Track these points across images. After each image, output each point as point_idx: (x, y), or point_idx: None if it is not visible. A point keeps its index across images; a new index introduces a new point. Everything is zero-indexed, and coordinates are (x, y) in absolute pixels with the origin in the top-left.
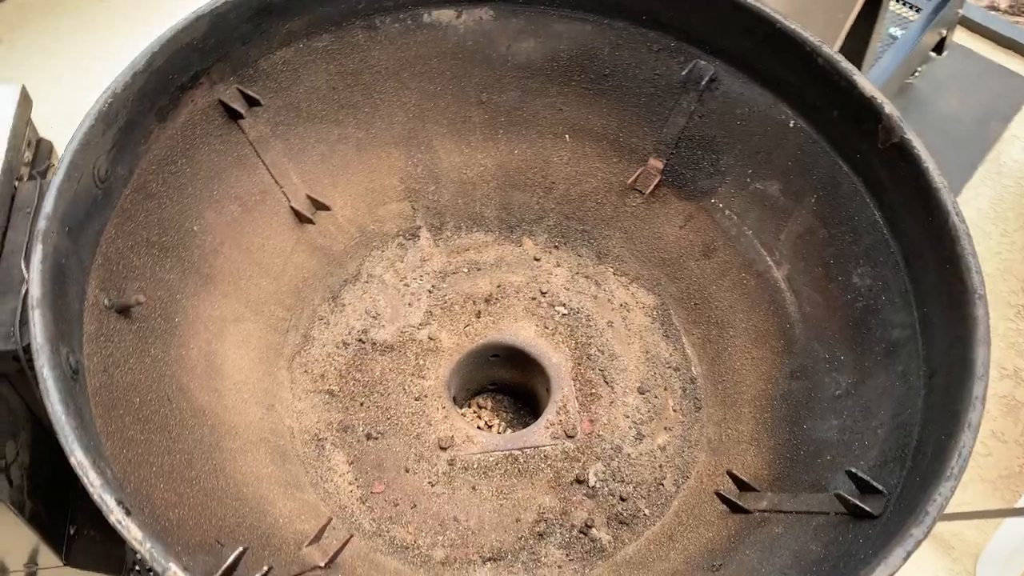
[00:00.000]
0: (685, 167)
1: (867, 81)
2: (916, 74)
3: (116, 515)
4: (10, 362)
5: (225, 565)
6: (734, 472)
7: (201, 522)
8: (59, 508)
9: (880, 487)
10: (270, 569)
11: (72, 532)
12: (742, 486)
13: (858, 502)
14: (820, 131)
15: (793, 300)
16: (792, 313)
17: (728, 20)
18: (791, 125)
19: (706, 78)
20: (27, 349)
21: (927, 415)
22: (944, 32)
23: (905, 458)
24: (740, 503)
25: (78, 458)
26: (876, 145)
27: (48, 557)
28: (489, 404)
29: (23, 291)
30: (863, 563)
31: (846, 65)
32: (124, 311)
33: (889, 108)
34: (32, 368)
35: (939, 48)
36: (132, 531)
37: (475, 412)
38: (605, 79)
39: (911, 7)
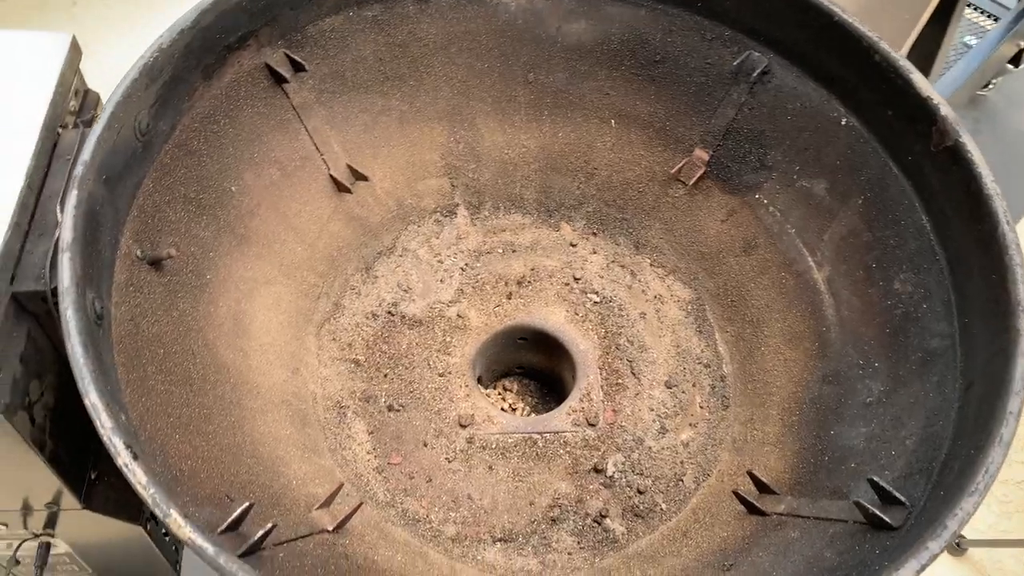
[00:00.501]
0: (731, 160)
1: (924, 80)
2: (990, 86)
3: (123, 458)
4: (39, 303)
5: (231, 518)
6: (755, 473)
7: (213, 476)
8: (81, 452)
9: (903, 499)
10: (275, 526)
11: (93, 477)
12: (762, 488)
13: (878, 512)
14: (872, 130)
15: (831, 303)
16: (829, 316)
17: (784, 11)
18: (842, 123)
19: (758, 70)
20: (55, 291)
21: (959, 428)
22: (1023, 44)
23: (932, 471)
24: (758, 505)
25: (92, 400)
26: (929, 148)
27: (70, 499)
28: (515, 387)
29: (56, 235)
30: (876, 574)
31: (904, 63)
32: (156, 264)
33: (945, 110)
34: (59, 310)
35: (1017, 60)
36: (137, 475)
37: (500, 394)
38: (655, 65)
39: (989, 16)
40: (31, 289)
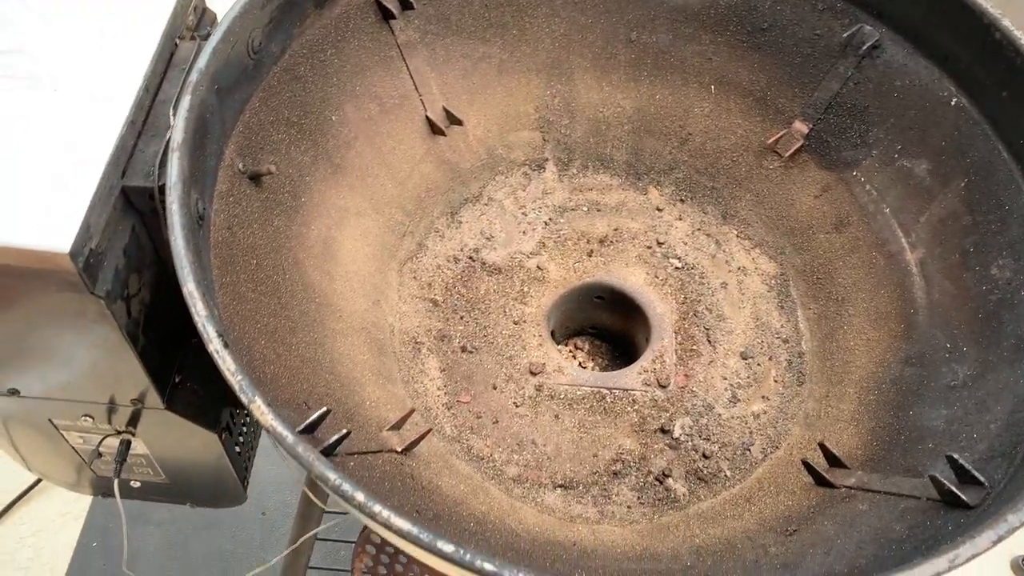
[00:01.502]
0: (831, 135)
1: None
2: None
3: (215, 344)
4: (146, 200)
5: (309, 420)
6: (826, 445)
7: (293, 383)
8: (168, 355)
9: (982, 479)
10: (349, 433)
11: (176, 381)
12: (832, 461)
13: (955, 489)
14: (983, 112)
15: (922, 285)
16: (919, 299)
17: None
18: (952, 103)
19: (868, 44)
20: (162, 190)
21: None
22: None
23: (1015, 456)
24: (827, 476)
25: (189, 288)
26: None
27: (154, 399)
28: (586, 347)
29: (167, 136)
30: (951, 541)
31: None
32: (255, 179)
33: None
34: (164, 207)
35: None
36: (227, 362)
37: (571, 352)
38: (762, 33)
39: None
40: (140, 185)
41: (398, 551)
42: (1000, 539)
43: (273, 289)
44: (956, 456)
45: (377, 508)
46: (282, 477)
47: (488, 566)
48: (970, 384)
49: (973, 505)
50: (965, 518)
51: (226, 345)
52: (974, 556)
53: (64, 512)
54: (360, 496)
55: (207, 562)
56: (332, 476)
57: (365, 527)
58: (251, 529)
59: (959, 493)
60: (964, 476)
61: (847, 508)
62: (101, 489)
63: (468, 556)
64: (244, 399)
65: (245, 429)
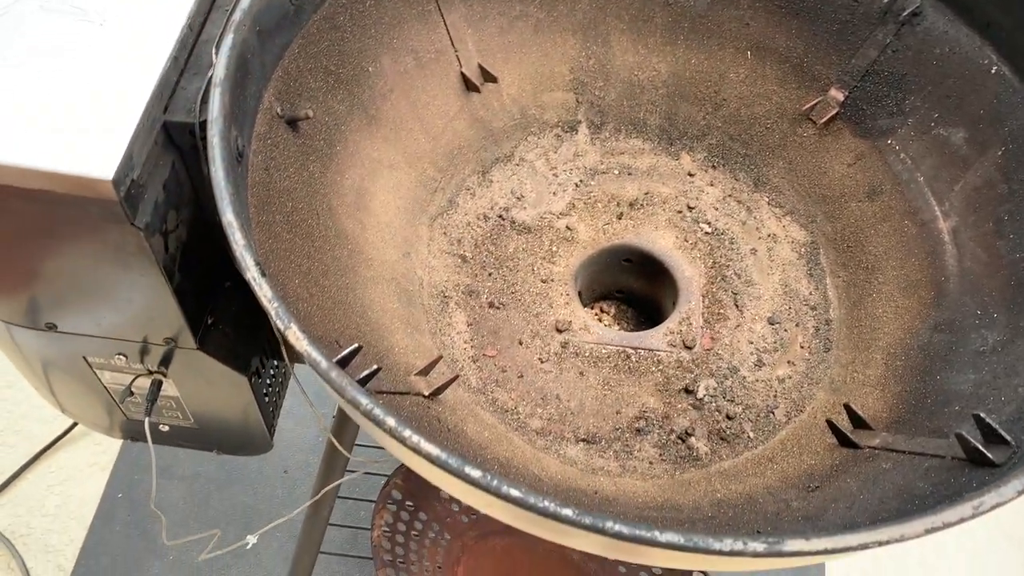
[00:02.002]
0: (867, 103)
1: None
2: None
3: (252, 272)
4: (187, 136)
5: (341, 354)
6: (851, 406)
7: (324, 323)
8: (201, 296)
9: (1009, 438)
10: (379, 370)
11: (209, 323)
12: (857, 422)
13: (981, 447)
14: None
15: (954, 253)
16: (950, 267)
17: None
18: (992, 71)
19: (909, 10)
20: (203, 126)
21: None
22: None
23: None
24: (851, 437)
25: (228, 218)
26: None
27: (186, 339)
28: (612, 311)
29: (209, 74)
30: (976, 491)
31: None
32: (292, 124)
33: None
34: (204, 143)
35: None
36: (264, 289)
37: (597, 315)
38: None
39: None
40: (181, 120)
41: (418, 508)
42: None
43: (307, 232)
44: (983, 415)
45: (407, 433)
46: (305, 437)
47: (514, 492)
48: (999, 349)
49: (999, 463)
50: (990, 476)
51: (263, 273)
52: (998, 505)
53: (92, 463)
54: (391, 421)
55: (229, 516)
56: (364, 401)
57: (386, 485)
58: (273, 486)
59: (985, 451)
60: (990, 435)
61: (870, 467)
62: (131, 433)
63: (495, 482)
64: (280, 325)
65: (273, 376)
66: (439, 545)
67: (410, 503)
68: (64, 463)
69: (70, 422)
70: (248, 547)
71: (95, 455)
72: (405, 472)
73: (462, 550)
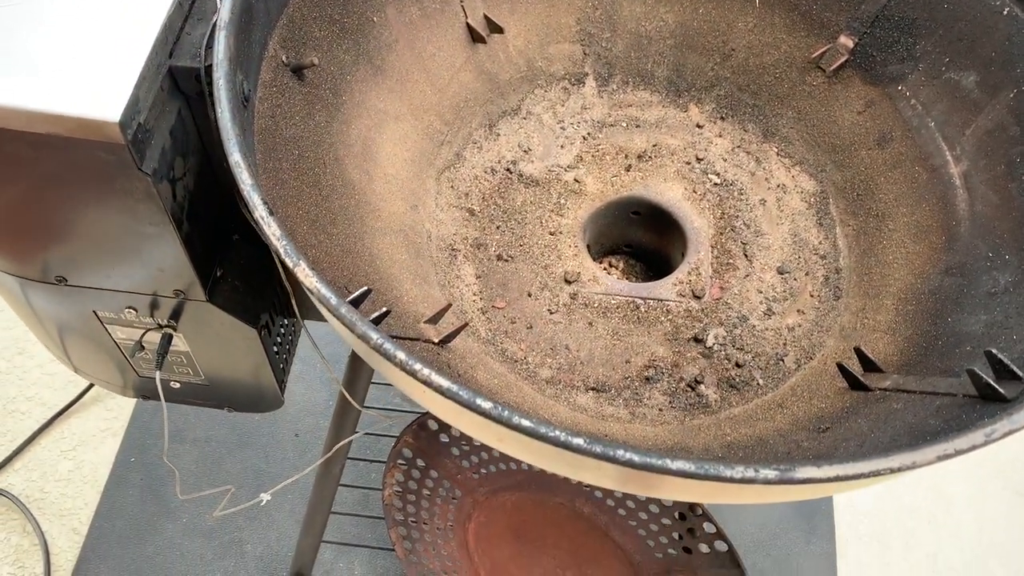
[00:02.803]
0: (876, 49)
1: None
2: None
3: (260, 211)
4: (192, 82)
5: (352, 296)
6: (862, 349)
7: (333, 269)
8: (209, 248)
9: (1021, 374)
10: (389, 312)
11: (218, 275)
12: (867, 366)
13: (992, 382)
14: None
15: (965, 197)
16: (961, 211)
17: None
18: (1004, 12)
19: None
20: (208, 71)
21: None
22: None
23: None
24: (862, 380)
25: (236, 158)
26: None
27: (196, 291)
28: (620, 265)
29: (214, 19)
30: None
31: None
32: (298, 72)
33: None
34: (210, 88)
35: None
36: (272, 227)
37: (605, 269)
38: None
39: None
40: (187, 65)
41: (429, 466)
42: None
43: (315, 181)
44: (995, 351)
45: (418, 366)
46: (315, 401)
47: (526, 422)
48: (1011, 290)
49: (1011, 398)
50: (1001, 411)
51: (271, 212)
52: (1010, 432)
53: (104, 428)
54: (401, 354)
55: (241, 479)
56: (374, 336)
57: (396, 443)
58: (284, 449)
59: (997, 387)
60: (1002, 372)
61: (881, 408)
62: (143, 391)
63: (506, 413)
64: (289, 263)
65: (283, 333)
66: (450, 502)
67: (421, 461)
68: (76, 429)
69: (81, 388)
70: (262, 504)
71: (107, 421)
72: (415, 430)
73: (473, 506)
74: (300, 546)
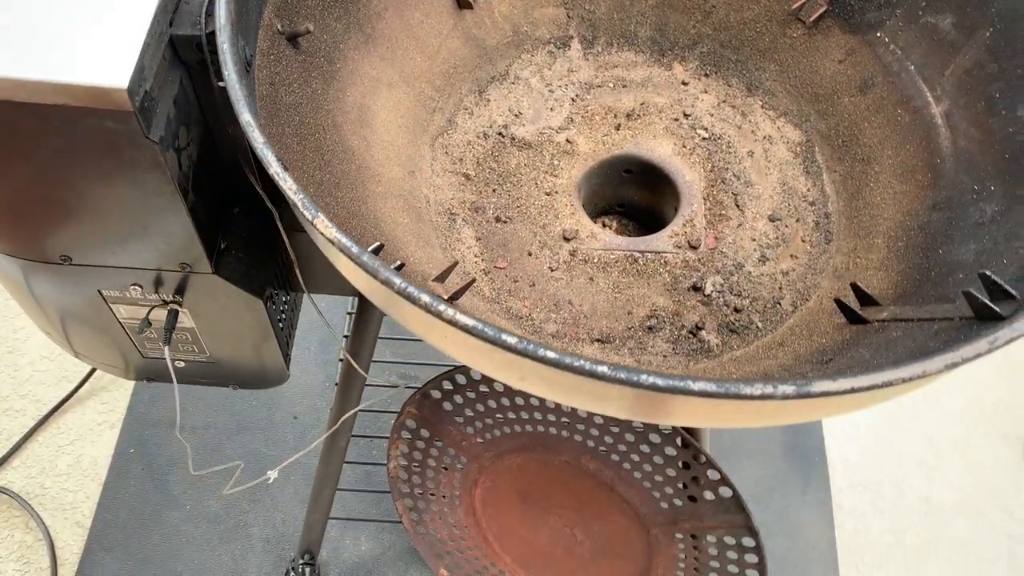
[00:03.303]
0: None
1: None
2: None
3: (275, 168)
4: (193, 51)
5: (371, 248)
6: (858, 284)
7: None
8: (213, 219)
9: (1015, 293)
10: (403, 264)
11: (223, 247)
12: (864, 300)
13: (988, 302)
14: None
15: (948, 135)
16: (944, 148)
17: None
18: None
19: None
20: (209, 38)
21: None
22: None
23: None
24: (860, 313)
25: (246, 118)
26: None
27: (201, 264)
28: (614, 225)
29: None
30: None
31: None
32: (293, 40)
33: None
34: (212, 55)
35: None
36: (288, 182)
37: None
38: None
39: None
40: (187, 33)
41: (433, 435)
42: None
43: (316, 146)
44: (989, 273)
45: (443, 307)
46: (312, 384)
47: (551, 354)
48: (998, 219)
49: (1006, 316)
50: (997, 329)
51: (285, 168)
52: (1011, 340)
53: (100, 422)
54: (426, 297)
55: (243, 463)
56: (398, 281)
57: (400, 415)
58: (284, 432)
59: (993, 305)
60: (996, 292)
61: (881, 337)
62: (146, 372)
63: (531, 346)
64: (308, 215)
65: (285, 306)
66: (455, 470)
67: (425, 431)
68: (73, 424)
69: (75, 384)
70: (269, 481)
71: (103, 414)
72: (419, 400)
73: (479, 472)
74: (308, 523)
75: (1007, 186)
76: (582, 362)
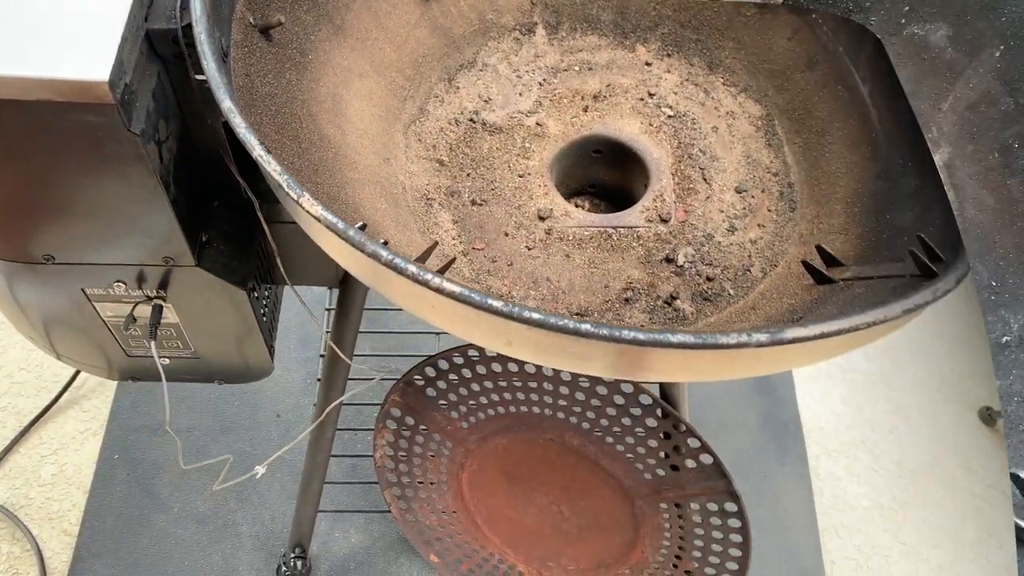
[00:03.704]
0: None
1: None
2: None
3: (258, 151)
4: (169, 44)
5: (356, 226)
6: (823, 247)
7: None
8: (194, 212)
9: (942, 255)
10: (387, 242)
11: (204, 240)
12: (829, 262)
13: (927, 262)
14: None
15: (876, 114)
16: (875, 125)
17: None
18: None
19: None
20: (185, 31)
21: None
22: None
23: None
24: (826, 273)
25: (227, 104)
26: None
27: (184, 257)
28: (586, 205)
29: None
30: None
31: None
32: (265, 32)
33: None
34: (189, 48)
35: None
36: (272, 164)
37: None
38: None
39: None
40: (163, 27)
41: (418, 422)
42: (959, 281)
43: (294, 135)
44: (924, 236)
45: (430, 276)
46: (293, 381)
47: (535, 315)
48: (919, 192)
49: (938, 273)
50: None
51: (269, 151)
52: (947, 292)
53: (83, 430)
54: (412, 268)
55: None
56: (384, 253)
57: (384, 404)
58: (267, 431)
59: (931, 265)
60: (931, 254)
61: (846, 295)
62: (130, 372)
63: (516, 309)
64: (293, 195)
65: (267, 297)
66: (442, 456)
67: (410, 418)
68: (54, 433)
69: (55, 393)
70: (257, 476)
71: (84, 422)
72: (402, 387)
73: (465, 456)
74: (297, 517)
75: (918, 163)
76: (566, 321)
